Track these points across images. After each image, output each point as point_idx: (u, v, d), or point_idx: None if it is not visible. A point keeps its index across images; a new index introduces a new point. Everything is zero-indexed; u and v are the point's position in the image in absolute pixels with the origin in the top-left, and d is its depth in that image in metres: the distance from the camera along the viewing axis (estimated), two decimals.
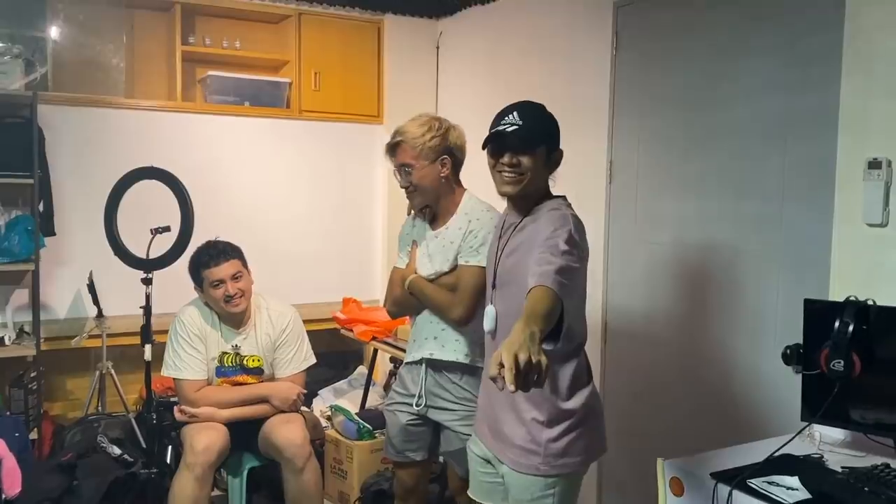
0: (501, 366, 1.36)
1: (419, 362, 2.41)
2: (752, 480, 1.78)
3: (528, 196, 1.95)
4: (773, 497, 1.70)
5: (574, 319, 1.82)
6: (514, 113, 1.90)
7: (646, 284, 2.97)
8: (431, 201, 2.39)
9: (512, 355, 1.36)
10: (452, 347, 2.35)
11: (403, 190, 2.40)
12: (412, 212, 2.56)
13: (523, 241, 1.92)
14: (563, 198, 1.99)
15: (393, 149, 2.37)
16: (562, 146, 1.97)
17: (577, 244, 1.81)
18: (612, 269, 3.12)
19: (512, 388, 1.34)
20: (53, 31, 3.80)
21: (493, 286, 2.00)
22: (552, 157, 1.95)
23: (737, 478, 1.79)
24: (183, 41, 4.00)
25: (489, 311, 1.98)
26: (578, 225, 1.89)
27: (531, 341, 1.43)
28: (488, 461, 2.03)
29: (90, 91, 3.86)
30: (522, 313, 1.57)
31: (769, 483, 1.76)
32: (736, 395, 2.63)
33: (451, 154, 2.36)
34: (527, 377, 1.37)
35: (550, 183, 2.00)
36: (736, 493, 1.75)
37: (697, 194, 2.78)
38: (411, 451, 2.49)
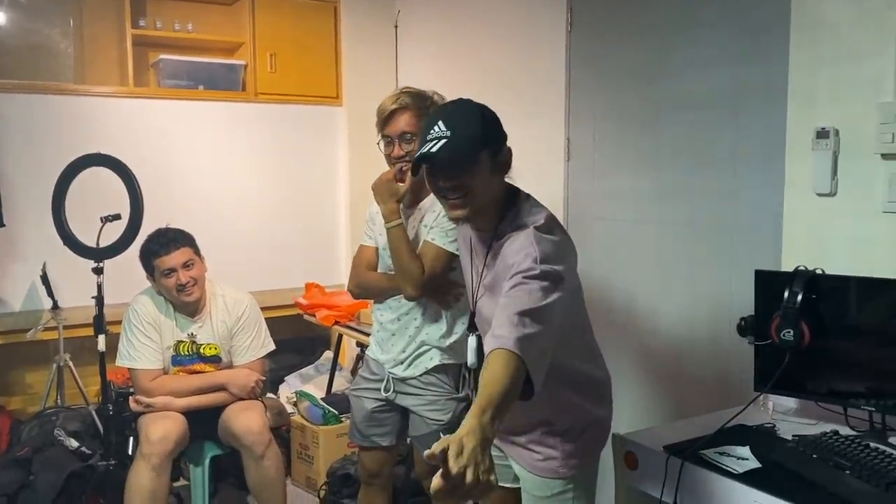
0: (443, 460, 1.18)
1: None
2: (704, 451, 1.79)
3: (482, 212, 1.69)
4: (724, 467, 1.72)
5: (572, 347, 1.72)
6: (440, 122, 1.63)
7: (604, 260, 2.97)
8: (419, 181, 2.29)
9: (458, 469, 1.18)
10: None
11: (395, 160, 2.23)
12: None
13: (494, 276, 1.71)
14: (526, 199, 1.75)
15: (393, 115, 2.22)
16: (520, 126, 1.81)
17: (546, 262, 1.56)
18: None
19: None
20: None
21: (473, 315, 1.83)
22: (498, 160, 1.68)
23: (688, 449, 1.79)
24: (133, 24, 3.89)
25: (471, 342, 1.83)
26: (547, 234, 1.63)
27: (481, 451, 1.22)
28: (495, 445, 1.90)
29: (37, 77, 3.76)
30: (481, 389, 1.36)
31: (720, 454, 1.77)
32: (694, 368, 2.64)
33: None
34: (466, 493, 1.18)
35: (508, 180, 1.75)
36: (687, 464, 1.76)
37: (653, 168, 2.78)
38: (377, 437, 2.46)
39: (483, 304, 1.79)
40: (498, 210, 1.71)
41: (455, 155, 1.61)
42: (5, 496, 2.71)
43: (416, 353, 2.33)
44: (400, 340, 2.36)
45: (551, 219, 1.72)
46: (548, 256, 1.58)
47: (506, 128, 1.74)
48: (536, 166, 3.04)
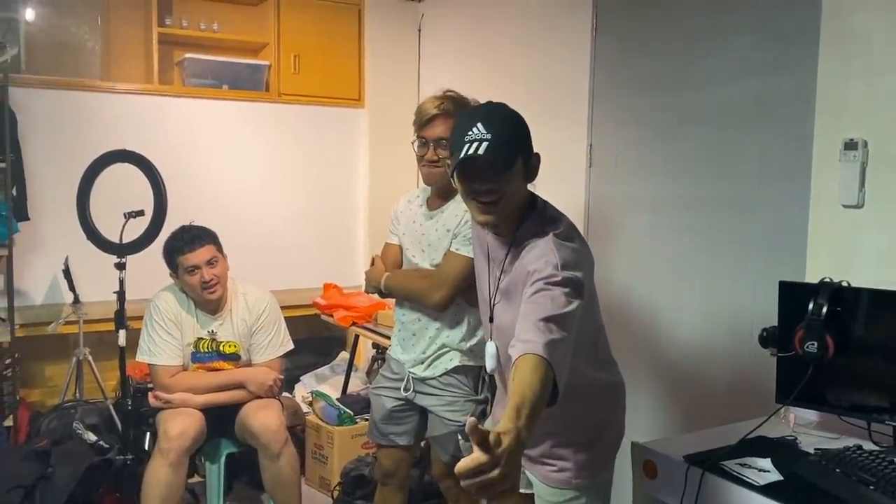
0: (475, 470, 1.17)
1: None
2: (724, 462, 1.77)
3: (508, 218, 1.69)
4: (745, 479, 1.70)
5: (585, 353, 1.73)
6: (479, 124, 1.60)
7: (624, 268, 2.95)
8: (447, 181, 2.30)
9: (492, 460, 1.17)
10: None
11: (427, 163, 2.25)
12: (419, 190, 2.48)
13: (511, 282, 1.72)
14: (544, 207, 1.76)
15: (434, 119, 2.23)
16: (542, 132, 1.82)
17: (567, 268, 1.57)
18: (592, 251, 3.10)
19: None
20: (26, 12, 3.73)
21: (490, 320, 1.83)
22: (529, 166, 1.68)
23: (709, 460, 1.78)
24: (159, 23, 3.94)
25: (489, 348, 1.82)
26: (566, 241, 1.65)
27: (515, 451, 1.22)
28: None
29: (64, 73, 3.80)
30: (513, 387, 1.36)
31: (741, 465, 1.76)
32: (713, 378, 2.62)
33: None
34: (488, 485, 1.19)
35: (530, 188, 1.75)
36: (708, 475, 1.74)
37: (676, 177, 2.76)
38: (396, 436, 2.47)
39: (499, 310, 1.79)
40: (519, 216, 1.72)
41: (497, 157, 1.59)
42: (23, 487, 2.73)
43: (437, 353, 2.34)
44: (421, 341, 2.37)
45: (570, 226, 1.73)
46: (568, 263, 1.59)
47: (531, 131, 1.73)
48: (558, 172, 3.03)
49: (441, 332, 2.34)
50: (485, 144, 1.58)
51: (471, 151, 1.59)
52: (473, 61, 3.91)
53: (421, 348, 2.37)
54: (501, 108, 1.70)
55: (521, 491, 1.95)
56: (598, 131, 3.09)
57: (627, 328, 2.86)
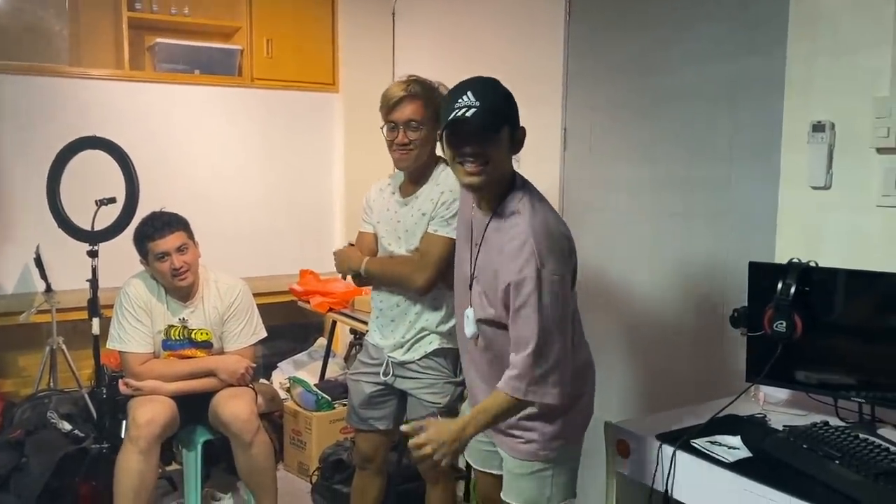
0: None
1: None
2: (695, 440, 1.80)
3: (493, 184, 1.78)
4: (715, 456, 1.73)
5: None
6: (469, 93, 1.72)
7: (598, 250, 2.97)
8: (419, 164, 2.30)
9: (438, 450, 1.70)
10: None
11: (398, 146, 2.25)
12: (389, 178, 2.47)
13: (490, 252, 1.83)
14: (525, 186, 1.84)
15: (401, 101, 2.23)
16: (518, 115, 1.84)
17: (547, 266, 1.70)
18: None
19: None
20: None
21: (469, 287, 1.91)
22: (515, 137, 1.79)
23: (681, 438, 1.81)
24: (129, 7, 3.88)
25: (469, 313, 1.91)
26: (543, 231, 1.73)
27: (458, 443, 1.72)
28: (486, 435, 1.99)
29: (33, 59, 3.73)
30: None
31: (712, 443, 1.79)
32: (686, 357, 2.66)
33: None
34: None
35: (514, 164, 1.85)
36: (679, 453, 1.78)
37: (649, 159, 2.78)
38: (375, 420, 2.48)
39: (478, 276, 1.88)
40: (502, 189, 1.81)
41: (485, 122, 1.71)
42: None
43: (416, 337, 2.35)
44: (400, 326, 2.37)
45: (549, 210, 1.81)
46: (548, 259, 1.71)
47: None
48: (534, 155, 3.02)
49: (420, 316, 2.35)
50: (473, 110, 1.69)
51: (459, 115, 1.69)
52: (448, 45, 3.90)
53: (400, 333, 2.38)
54: (491, 80, 1.80)
55: (494, 472, 2.01)
56: (571, 115, 3.10)
57: (601, 309, 2.89)
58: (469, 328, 1.91)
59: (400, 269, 2.33)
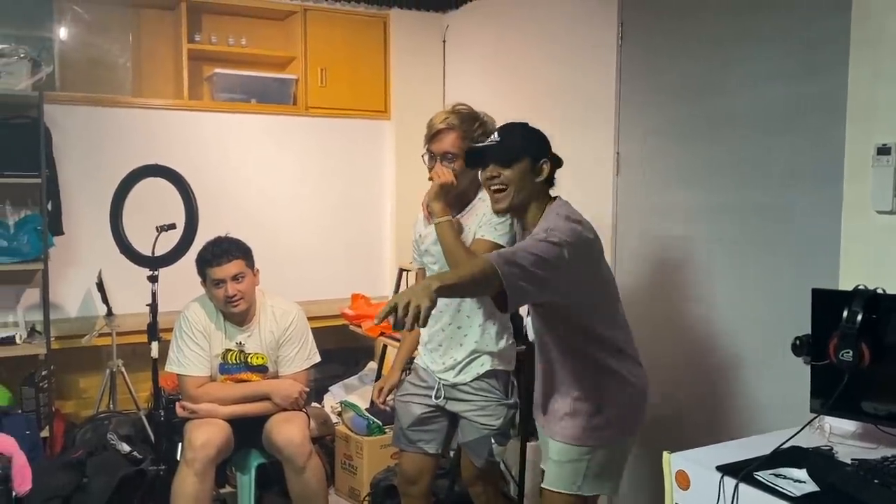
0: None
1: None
2: (758, 473, 1.74)
3: (522, 208, 2.04)
4: (780, 489, 1.67)
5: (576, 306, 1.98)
6: (495, 133, 2.06)
7: (654, 277, 2.94)
8: (458, 192, 2.33)
9: (394, 302, 1.62)
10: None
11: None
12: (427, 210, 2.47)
13: None
14: (558, 199, 2.07)
15: (439, 133, 2.30)
16: (569, 141, 2.01)
17: (554, 231, 1.89)
18: (620, 261, 3.09)
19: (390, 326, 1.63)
20: (60, 31, 3.82)
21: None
22: (537, 168, 2.02)
23: (743, 470, 1.76)
24: (189, 39, 4.00)
25: (527, 322, 2.18)
26: (565, 219, 1.95)
27: (422, 290, 1.63)
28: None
29: (97, 90, 3.88)
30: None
31: (776, 476, 1.73)
32: (745, 387, 2.59)
33: None
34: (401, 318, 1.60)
35: (552, 192, 2.08)
36: (742, 486, 1.72)
37: (704, 185, 2.74)
38: (424, 443, 2.48)
39: None
40: (538, 211, 2.04)
41: (498, 150, 2.02)
42: (60, 498, 2.78)
43: (467, 360, 2.36)
44: (450, 349, 2.38)
45: (572, 211, 2.03)
46: (556, 228, 1.91)
47: (554, 142, 2.09)
48: (585, 181, 3.03)
49: (470, 339, 2.36)
50: (490, 142, 2.06)
51: (476, 144, 2.10)
52: (498, 71, 3.93)
53: (451, 355, 2.38)
54: (519, 124, 2.09)
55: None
56: (624, 140, 3.08)
57: (656, 337, 2.84)
58: (531, 335, 2.12)
59: (461, 255, 2.21)
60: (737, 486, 1.73)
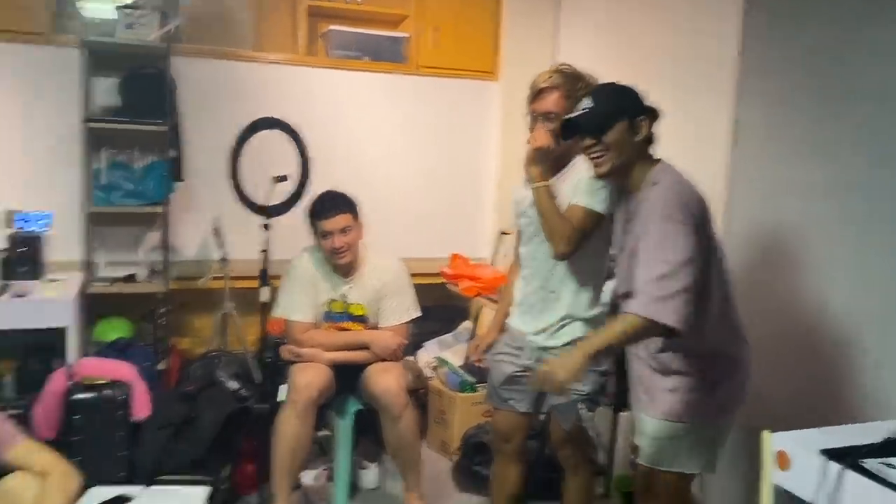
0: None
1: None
2: (865, 460, 1.68)
3: (624, 170, 2.03)
4: (891, 480, 1.61)
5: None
6: (587, 99, 2.04)
7: (768, 258, 2.82)
8: (556, 157, 2.32)
9: (553, 380, 1.85)
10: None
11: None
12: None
13: (637, 224, 2.01)
14: (661, 163, 2.05)
15: (542, 92, 2.28)
16: (681, 106, 1.92)
17: (671, 207, 1.90)
18: (734, 235, 2.97)
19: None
20: None
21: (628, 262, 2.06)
22: (635, 126, 2.01)
23: (850, 456, 1.69)
24: None
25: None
26: (676, 195, 1.93)
27: (573, 362, 1.84)
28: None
29: (218, 44, 4.02)
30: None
31: (886, 465, 1.66)
32: (860, 372, 2.48)
33: None
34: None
35: (651, 151, 2.06)
36: (847, 472, 1.66)
37: (831, 160, 2.59)
38: (514, 401, 2.51)
39: (622, 259, 2.11)
40: (642, 174, 2.03)
41: (591, 118, 2.01)
42: (174, 426, 2.97)
43: (560, 324, 2.36)
44: (543, 312, 2.39)
45: (679, 176, 2.02)
46: (673, 204, 1.91)
47: (666, 108, 2.08)
48: (695, 149, 2.92)
49: (562, 303, 2.36)
50: (583, 111, 2.03)
51: (571, 115, 2.06)
52: (614, 35, 3.81)
53: (544, 318, 2.39)
54: (608, 85, 2.10)
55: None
56: (744, 108, 2.94)
57: (771, 318, 2.74)
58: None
59: (558, 222, 2.25)
60: (841, 472, 1.67)
